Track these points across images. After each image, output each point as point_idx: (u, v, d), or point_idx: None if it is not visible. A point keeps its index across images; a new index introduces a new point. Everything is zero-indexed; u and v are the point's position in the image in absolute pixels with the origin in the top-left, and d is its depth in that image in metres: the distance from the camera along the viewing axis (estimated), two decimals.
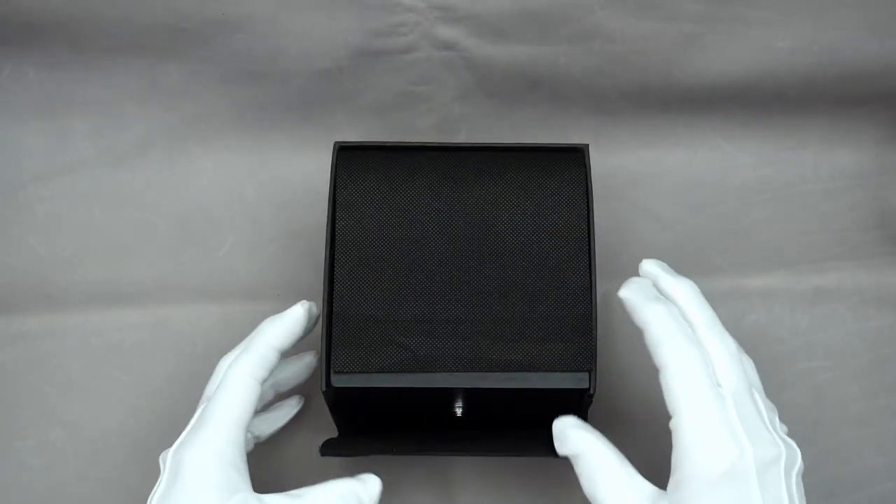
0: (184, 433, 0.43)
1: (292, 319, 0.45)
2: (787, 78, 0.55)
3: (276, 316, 0.46)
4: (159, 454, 0.51)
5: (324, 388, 0.43)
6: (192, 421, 0.43)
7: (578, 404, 0.45)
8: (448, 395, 0.45)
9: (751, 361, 0.43)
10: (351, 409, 0.47)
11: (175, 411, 0.52)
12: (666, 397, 0.40)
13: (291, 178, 0.58)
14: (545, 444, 0.43)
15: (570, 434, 0.42)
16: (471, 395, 0.44)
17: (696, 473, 0.38)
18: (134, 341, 0.54)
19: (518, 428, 0.50)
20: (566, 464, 0.42)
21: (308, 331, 0.47)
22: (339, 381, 0.43)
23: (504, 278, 0.44)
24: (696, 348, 0.40)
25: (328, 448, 0.46)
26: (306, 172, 0.58)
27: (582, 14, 0.51)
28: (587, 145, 0.47)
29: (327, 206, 0.46)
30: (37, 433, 0.52)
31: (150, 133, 0.58)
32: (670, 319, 0.41)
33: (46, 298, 0.55)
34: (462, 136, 0.58)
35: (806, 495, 0.39)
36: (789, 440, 0.40)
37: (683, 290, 0.42)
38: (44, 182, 0.58)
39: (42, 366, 0.53)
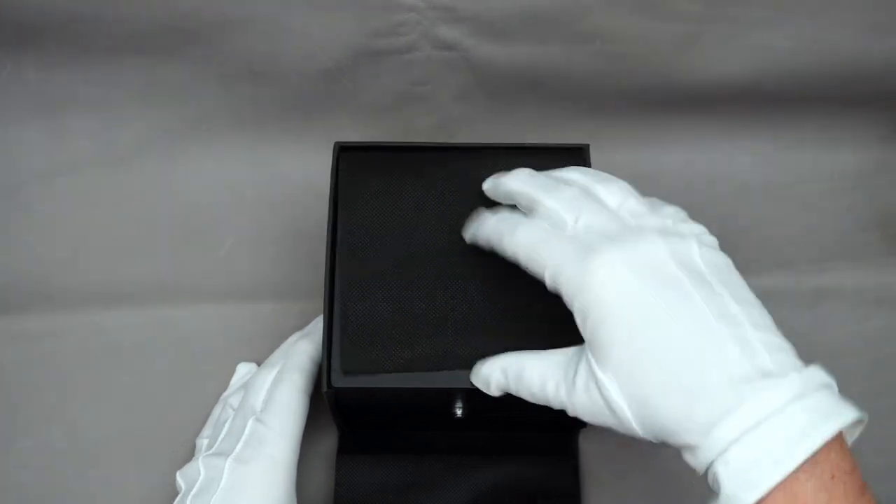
0: (239, 445, 0.43)
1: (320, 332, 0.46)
2: (787, 78, 0.55)
3: (305, 331, 0.47)
4: (159, 454, 0.51)
5: (325, 389, 0.43)
6: (245, 435, 0.44)
7: None
8: (449, 395, 0.45)
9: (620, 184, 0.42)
10: (352, 410, 0.47)
11: (175, 411, 0.52)
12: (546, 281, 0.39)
13: (291, 178, 0.58)
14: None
15: (484, 369, 0.41)
16: (472, 396, 0.44)
17: (588, 307, 0.37)
18: (134, 341, 0.54)
19: (519, 429, 0.50)
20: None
21: None
22: (340, 381, 0.43)
23: (506, 277, 0.44)
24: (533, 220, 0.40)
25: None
26: (306, 172, 0.58)
27: (582, 14, 0.51)
28: (588, 145, 0.47)
29: (328, 205, 0.46)
30: (37, 433, 0.52)
31: (150, 133, 0.58)
32: (497, 221, 0.42)
33: (46, 298, 0.55)
34: (462, 136, 0.58)
35: None
36: (684, 226, 0.39)
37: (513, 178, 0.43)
38: (44, 182, 0.58)
39: (42, 366, 0.53)
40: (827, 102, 0.57)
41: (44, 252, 0.56)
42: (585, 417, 0.38)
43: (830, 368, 0.54)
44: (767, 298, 0.55)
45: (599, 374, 0.37)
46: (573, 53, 0.54)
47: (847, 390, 0.53)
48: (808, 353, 0.54)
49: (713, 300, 0.36)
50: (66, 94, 0.57)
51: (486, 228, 0.42)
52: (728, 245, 0.57)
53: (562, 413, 0.40)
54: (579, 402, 0.38)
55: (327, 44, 0.53)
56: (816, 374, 0.36)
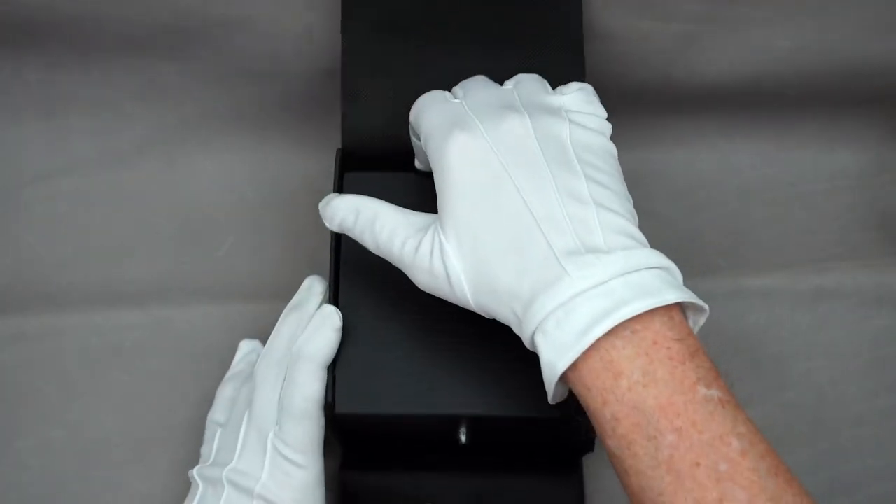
0: (264, 475, 0.42)
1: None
2: (787, 78, 0.55)
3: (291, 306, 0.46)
4: (159, 454, 0.51)
5: (328, 413, 0.42)
6: (267, 465, 0.42)
7: (585, 431, 0.43)
8: (453, 422, 0.43)
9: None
10: (355, 434, 0.46)
11: (175, 411, 0.52)
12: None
13: (291, 178, 0.58)
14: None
15: (335, 202, 0.42)
16: (476, 423, 0.43)
17: (441, 175, 0.38)
18: (134, 341, 0.54)
19: (524, 453, 0.49)
20: None
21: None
22: (344, 407, 0.42)
23: None
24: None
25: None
26: (306, 172, 0.58)
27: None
28: None
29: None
30: (37, 433, 0.52)
31: (150, 133, 0.58)
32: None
33: (46, 298, 0.55)
34: None
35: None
36: (576, 106, 0.41)
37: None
38: (44, 182, 0.58)
39: (42, 366, 0.53)
40: (827, 102, 0.57)
41: (44, 252, 0.56)
42: (422, 283, 0.39)
43: (830, 368, 0.54)
44: (767, 298, 0.56)
45: (442, 238, 0.38)
46: None
47: (847, 390, 0.54)
48: (808, 353, 0.55)
49: (564, 177, 0.37)
50: (66, 94, 0.57)
51: (413, 108, 0.43)
52: (728, 245, 0.57)
53: (566, 437, 0.40)
54: (419, 265, 0.39)
55: (327, 44, 0.53)
56: (649, 255, 0.36)
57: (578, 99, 0.41)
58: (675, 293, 0.35)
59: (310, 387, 0.42)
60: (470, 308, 0.38)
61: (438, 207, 0.39)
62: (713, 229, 0.58)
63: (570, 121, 0.39)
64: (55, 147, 0.58)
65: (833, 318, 0.55)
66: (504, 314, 0.37)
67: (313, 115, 0.57)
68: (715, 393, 0.33)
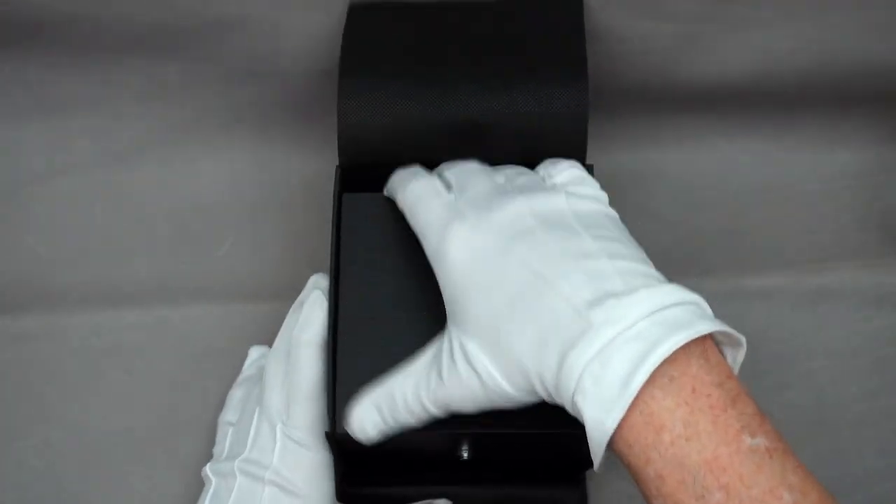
0: (275, 458, 0.43)
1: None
2: (787, 78, 0.55)
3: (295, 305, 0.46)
4: (159, 454, 0.51)
5: (328, 431, 0.42)
6: (277, 449, 0.43)
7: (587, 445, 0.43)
8: (455, 439, 0.43)
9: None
10: (356, 454, 0.45)
11: (175, 411, 0.52)
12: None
13: (291, 178, 0.58)
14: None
15: (356, 413, 0.41)
16: (478, 438, 0.43)
17: (444, 277, 0.38)
18: (134, 341, 0.54)
19: (528, 467, 0.48)
20: None
21: None
22: (343, 427, 0.42)
23: None
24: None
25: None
26: (306, 172, 0.58)
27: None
28: (591, 165, 0.46)
29: (331, 232, 0.45)
30: (37, 433, 0.52)
31: (149, 133, 0.58)
32: (401, 174, 0.44)
33: (46, 298, 0.55)
34: None
35: None
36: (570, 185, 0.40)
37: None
38: (44, 182, 0.58)
39: (42, 366, 0.53)
40: (827, 102, 0.57)
41: (44, 252, 0.56)
42: (461, 400, 0.37)
43: (830, 368, 0.54)
44: (767, 298, 0.56)
45: (463, 340, 0.36)
46: None
47: (847, 390, 0.54)
48: (808, 353, 0.55)
49: (566, 241, 0.36)
50: (66, 94, 0.57)
51: (392, 180, 0.44)
52: (728, 245, 0.57)
53: (568, 452, 0.39)
54: (451, 384, 0.37)
55: (327, 44, 0.53)
56: (672, 291, 0.34)
57: (571, 176, 0.41)
58: (708, 323, 0.33)
59: (310, 369, 0.43)
60: (510, 403, 0.37)
61: (448, 309, 0.38)
62: (713, 229, 0.58)
63: (567, 193, 0.39)
64: (55, 147, 0.58)
65: (833, 318, 0.55)
66: (540, 389, 0.35)
67: (313, 115, 0.57)
68: (761, 441, 0.32)
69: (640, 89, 0.56)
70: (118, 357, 0.54)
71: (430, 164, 0.45)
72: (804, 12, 0.52)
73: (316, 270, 0.47)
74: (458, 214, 0.38)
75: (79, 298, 0.55)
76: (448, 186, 0.41)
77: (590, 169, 0.47)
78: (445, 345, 0.38)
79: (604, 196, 0.41)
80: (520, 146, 0.46)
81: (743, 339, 0.34)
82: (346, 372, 0.42)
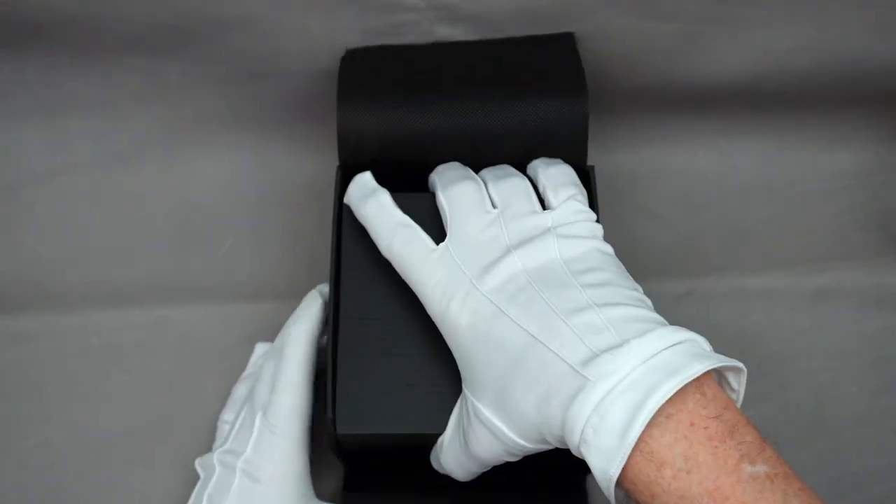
0: (249, 447, 0.43)
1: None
2: (787, 78, 0.55)
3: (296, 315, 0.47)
4: (159, 454, 0.51)
5: (329, 432, 0.42)
6: (254, 436, 0.44)
7: None
8: None
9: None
10: (357, 454, 0.46)
11: (175, 411, 0.52)
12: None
13: (291, 178, 0.58)
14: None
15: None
16: None
17: (452, 346, 0.40)
18: (134, 341, 0.54)
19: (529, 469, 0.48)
20: None
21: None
22: (345, 427, 0.42)
23: None
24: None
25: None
26: (306, 172, 0.58)
27: (582, 14, 0.51)
28: (592, 166, 0.47)
29: (332, 225, 0.45)
30: (37, 433, 0.52)
31: (149, 133, 0.58)
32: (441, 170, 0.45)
33: (46, 298, 0.55)
34: None
35: None
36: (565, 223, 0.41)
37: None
38: (44, 182, 0.58)
39: (42, 366, 0.53)
40: (827, 102, 0.57)
41: (44, 252, 0.56)
42: (488, 455, 0.39)
43: (830, 368, 0.54)
44: (767, 298, 0.56)
45: (476, 404, 0.38)
46: None
47: (847, 390, 0.54)
48: (808, 353, 0.55)
49: (559, 295, 0.37)
50: (66, 94, 0.57)
51: (432, 178, 0.45)
52: (728, 245, 0.57)
53: (569, 455, 0.39)
54: (475, 445, 0.39)
55: (327, 44, 0.53)
56: (665, 333, 0.35)
57: (567, 211, 0.41)
58: (700, 364, 0.34)
59: (295, 359, 0.44)
60: (530, 452, 0.39)
61: (461, 372, 0.40)
62: (713, 229, 0.58)
63: (559, 237, 0.39)
64: (55, 147, 0.58)
65: (833, 318, 0.55)
66: (551, 440, 0.37)
67: (313, 115, 0.57)
68: (761, 469, 0.32)
69: (640, 89, 0.56)
70: (118, 357, 0.54)
71: (430, 166, 0.46)
72: (804, 12, 0.52)
73: (316, 270, 0.48)
74: (449, 289, 0.39)
75: (79, 298, 0.55)
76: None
77: (591, 170, 0.47)
78: (465, 410, 0.40)
79: (598, 230, 0.41)
80: (519, 151, 0.46)
81: (742, 366, 0.35)
82: (347, 372, 0.42)
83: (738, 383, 0.36)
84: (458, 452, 0.41)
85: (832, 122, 0.58)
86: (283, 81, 0.56)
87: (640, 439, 0.33)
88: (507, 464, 0.45)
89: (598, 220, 0.42)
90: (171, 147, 0.58)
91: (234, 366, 0.52)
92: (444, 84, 0.48)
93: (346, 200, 0.45)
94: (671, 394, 0.33)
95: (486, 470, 0.41)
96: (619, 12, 0.51)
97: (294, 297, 0.47)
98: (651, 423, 0.33)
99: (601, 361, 0.34)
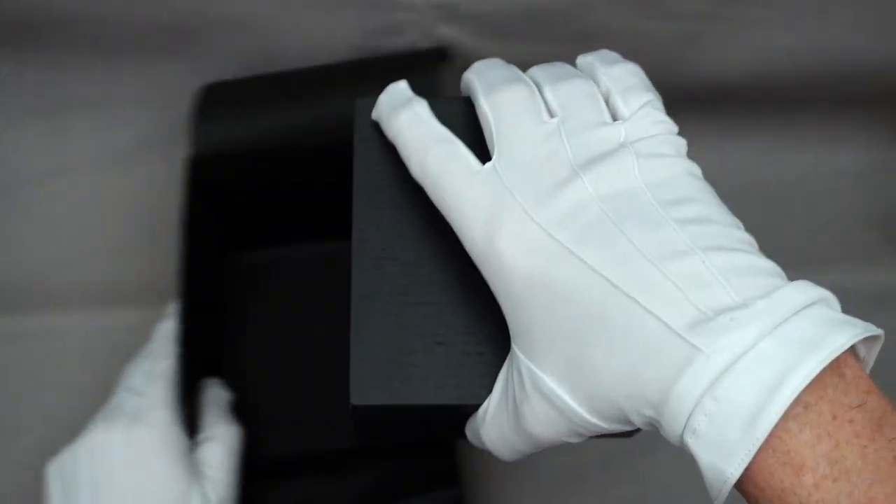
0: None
1: None
2: (787, 78, 0.55)
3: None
4: None
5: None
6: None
7: None
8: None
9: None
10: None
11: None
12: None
13: None
14: None
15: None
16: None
17: (501, 293, 0.31)
18: (133, 341, 0.54)
19: None
20: None
21: None
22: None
23: None
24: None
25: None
26: None
27: (582, 13, 0.51)
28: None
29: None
30: (37, 433, 0.52)
31: (150, 133, 0.58)
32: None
33: (46, 298, 0.55)
34: None
35: None
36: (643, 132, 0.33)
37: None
38: (43, 182, 0.58)
39: (42, 366, 0.53)
40: (827, 102, 0.57)
41: (44, 252, 0.56)
42: (543, 435, 0.32)
43: None
44: None
45: (534, 371, 0.30)
46: (573, 53, 0.54)
47: None
48: None
49: (648, 233, 0.29)
50: (66, 94, 0.57)
51: (468, 77, 0.37)
52: None
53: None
54: (528, 418, 0.31)
55: (327, 44, 0.53)
56: (796, 289, 0.28)
57: (646, 122, 0.33)
58: (843, 334, 0.27)
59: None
60: (599, 433, 0.31)
61: (510, 326, 0.32)
62: None
63: (637, 155, 0.31)
64: (55, 147, 0.58)
65: None
66: (637, 421, 0.29)
67: None
68: None
69: None
70: (118, 357, 0.53)
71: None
72: (804, 12, 0.52)
73: None
74: (498, 215, 0.31)
75: (79, 298, 0.55)
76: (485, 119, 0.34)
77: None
78: (515, 376, 0.31)
79: (682, 145, 0.33)
80: None
81: (881, 333, 0.28)
82: (363, 327, 0.35)
83: (869, 355, 0.28)
84: (504, 429, 0.33)
85: (832, 122, 0.58)
86: None
87: (773, 434, 0.26)
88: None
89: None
90: (171, 147, 0.58)
91: None
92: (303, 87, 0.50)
93: (373, 115, 0.37)
94: (814, 375, 0.26)
95: (538, 451, 0.33)
96: (620, 12, 0.51)
97: None
98: (785, 416, 0.26)
99: (716, 326, 0.27)
